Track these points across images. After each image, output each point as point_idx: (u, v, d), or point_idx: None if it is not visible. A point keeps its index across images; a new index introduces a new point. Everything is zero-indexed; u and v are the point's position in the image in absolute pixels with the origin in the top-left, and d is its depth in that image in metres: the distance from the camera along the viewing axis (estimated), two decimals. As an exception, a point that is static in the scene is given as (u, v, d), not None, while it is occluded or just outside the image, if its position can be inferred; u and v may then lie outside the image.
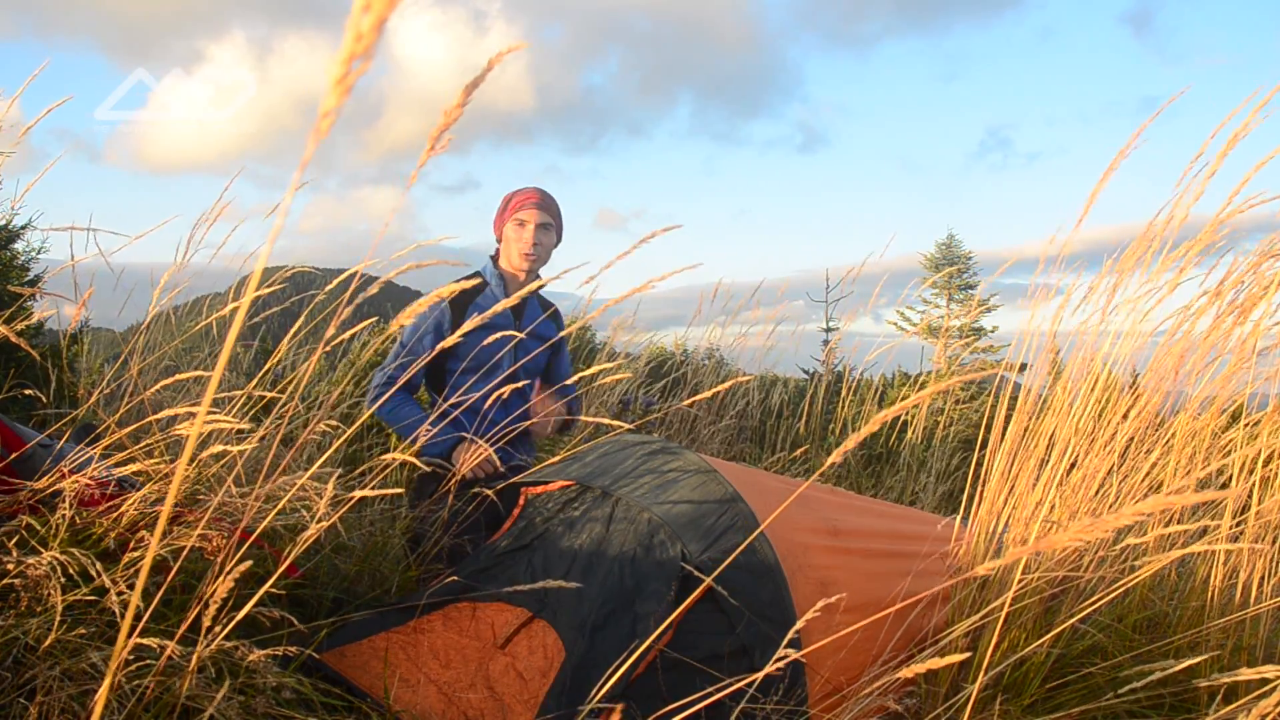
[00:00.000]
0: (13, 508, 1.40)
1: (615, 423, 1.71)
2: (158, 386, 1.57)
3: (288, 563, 1.39)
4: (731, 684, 1.10)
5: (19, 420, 2.01)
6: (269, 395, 1.70)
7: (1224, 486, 1.95)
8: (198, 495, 1.57)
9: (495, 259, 2.55)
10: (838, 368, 5.73)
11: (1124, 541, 1.59)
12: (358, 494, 1.31)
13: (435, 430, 2.27)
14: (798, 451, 4.43)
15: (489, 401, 2.11)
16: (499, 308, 1.34)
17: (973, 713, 1.22)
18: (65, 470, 1.41)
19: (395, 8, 0.46)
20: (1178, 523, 1.63)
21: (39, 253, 2.46)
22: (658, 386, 4.98)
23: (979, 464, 1.82)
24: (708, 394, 1.65)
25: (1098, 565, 1.67)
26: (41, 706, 1.13)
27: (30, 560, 1.25)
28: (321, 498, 1.44)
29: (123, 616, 1.24)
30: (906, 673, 0.82)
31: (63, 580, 1.24)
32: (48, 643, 1.18)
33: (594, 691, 1.34)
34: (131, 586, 1.27)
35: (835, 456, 0.77)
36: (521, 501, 1.93)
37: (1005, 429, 1.77)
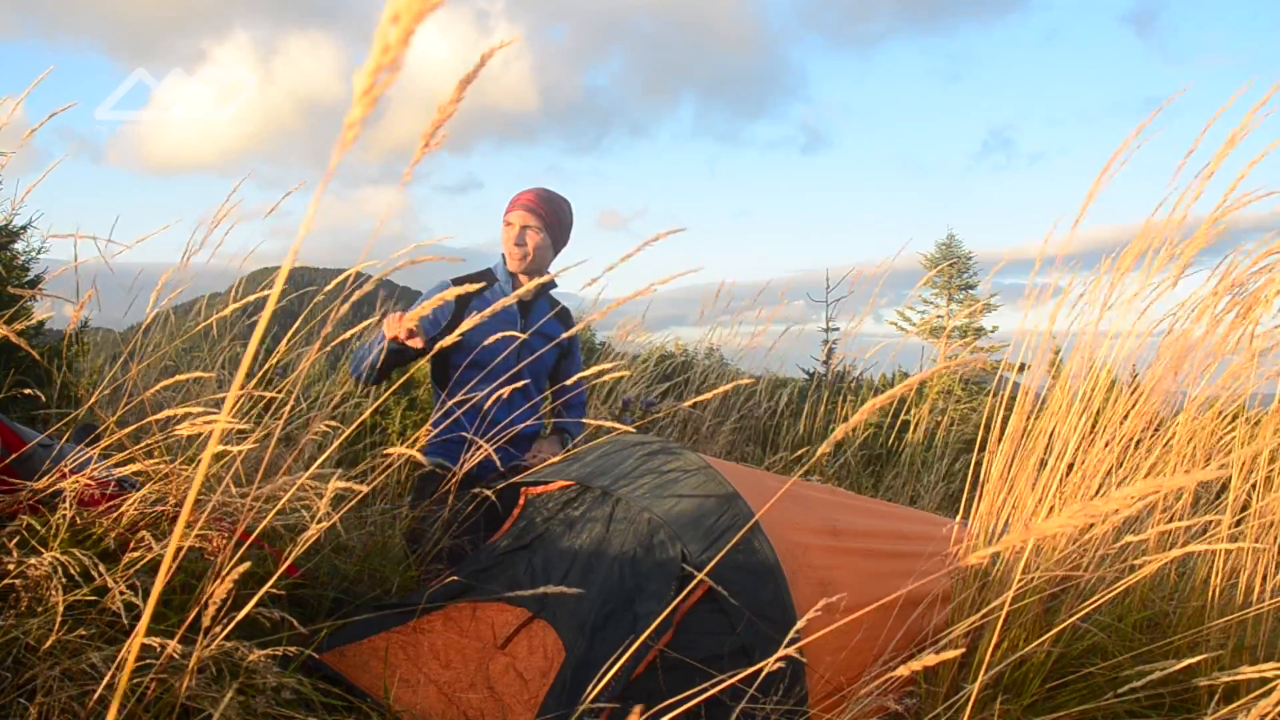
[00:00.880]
0: (13, 508, 1.40)
1: (616, 424, 1.71)
2: (158, 387, 1.57)
3: (287, 564, 1.39)
4: (729, 678, 1.10)
5: (19, 420, 2.01)
6: (268, 395, 1.70)
7: (1224, 485, 1.95)
8: (197, 495, 1.57)
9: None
10: (838, 368, 5.73)
11: (1123, 539, 1.59)
12: (359, 488, 1.31)
13: (437, 430, 2.27)
14: (799, 451, 4.43)
15: (490, 400, 2.12)
16: (499, 305, 1.34)
17: (973, 713, 1.22)
18: (65, 470, 1.41)
19: (423, 20, 0.45)
20: (1178, 521, 1.62)
21: (39, 253, 2.46)
22: (660, 389, 4.98)
23: (979, 464, 1.82)
24: (708, 395, 1.65)
25: (1098, 565, 1.67)
26: (41, 707, 1.13)
27: (31, 560, 1.25)
28: (321, 497, 1.44)
29: (124, 617, 1.24)
30: (904, 670, 0.82)
31: (64, 580, 1.24)
32: (48, 643, 1.18)
33: (589, 690, 1.34)
34: (132, 587, 1.27)
35: (824, 448, 0.77)
36: (521, 501, 1.93)
37: (1004, 429, 1.77)
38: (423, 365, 2.49)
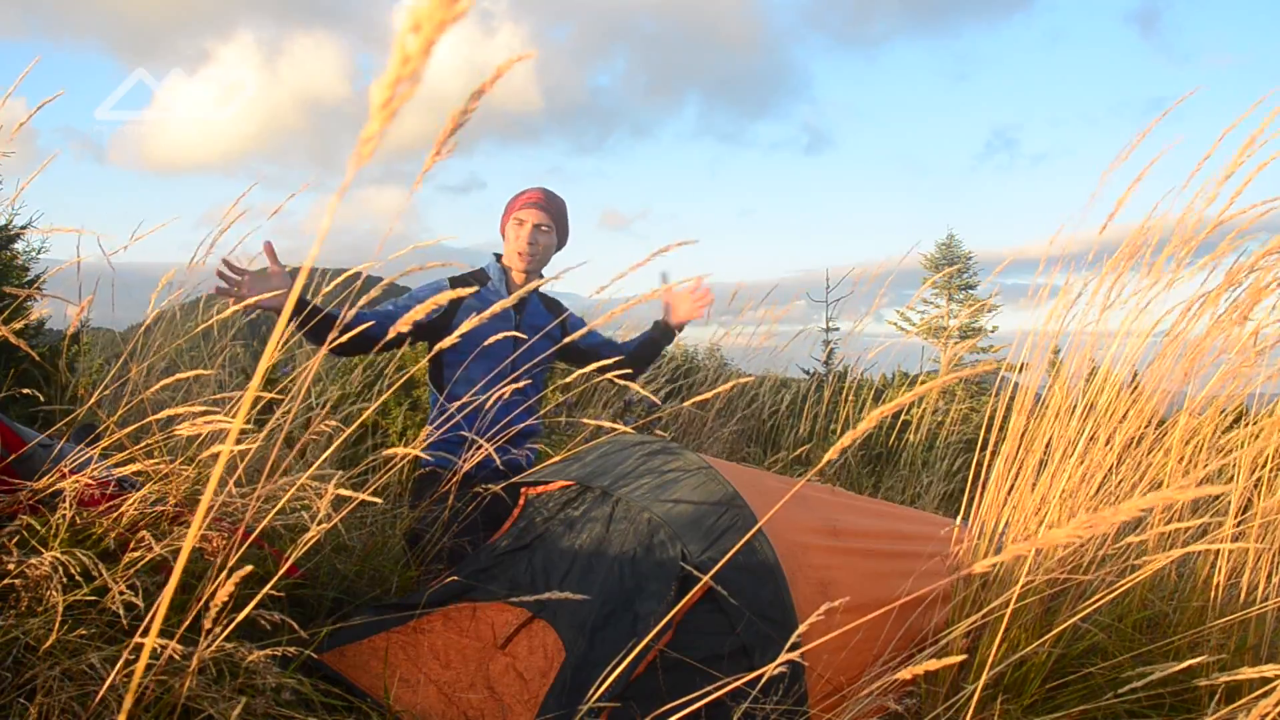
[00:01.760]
0: (13, 508, 1.40)
1: (616, 425, 1.71)
2: (157, 386, 1.57)
3: (287, 566, 1.39)
4: (731, 683, 1.10)
5: (19, 420, 2.01)
6: (268, 395, 1.70)
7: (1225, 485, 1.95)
8: (198, 496, 1.57)
9: (499, 257, 2.56)
10: (838, 368, 5.73)
11: (1124, 539, 1.59)
12: (370, 499, 1.31)
13: (440, 431, 2.26)
14: (799, 450, 4.43)
15: (490, 402, 2.11)
16: (497, 307, 1.34)
17: (973, 713, 1.22)
18: (65, 470, 1.41)
19: (446, 30, 0.43)
20: (1178, 521, 1.62)
21: (39, 253, 2.46)
22: (662, 390, 4.98)
23: (979, 464, 1.82)
24: (709, 395, 1.65)
25: (1098, 565, 1.67)
26: (41, 707, 1.13)
27: (31, 560, 1.25)
28: (321, 498, 1.44)
29: (124, 617, 1.24)
30: (907, 674, 0.82)
31: (64, 580, 1.24)
32: (48, 643, 1.18)
33: (592, 692, 1.34)
34: (132, 587, 1.27)
35: (832, 453, 0.77)
36: (521, 501, 1.93)
37: (1005, 429, 1.77)
38: (422, 365, 2.49)
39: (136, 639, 1.10)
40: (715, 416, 4.54)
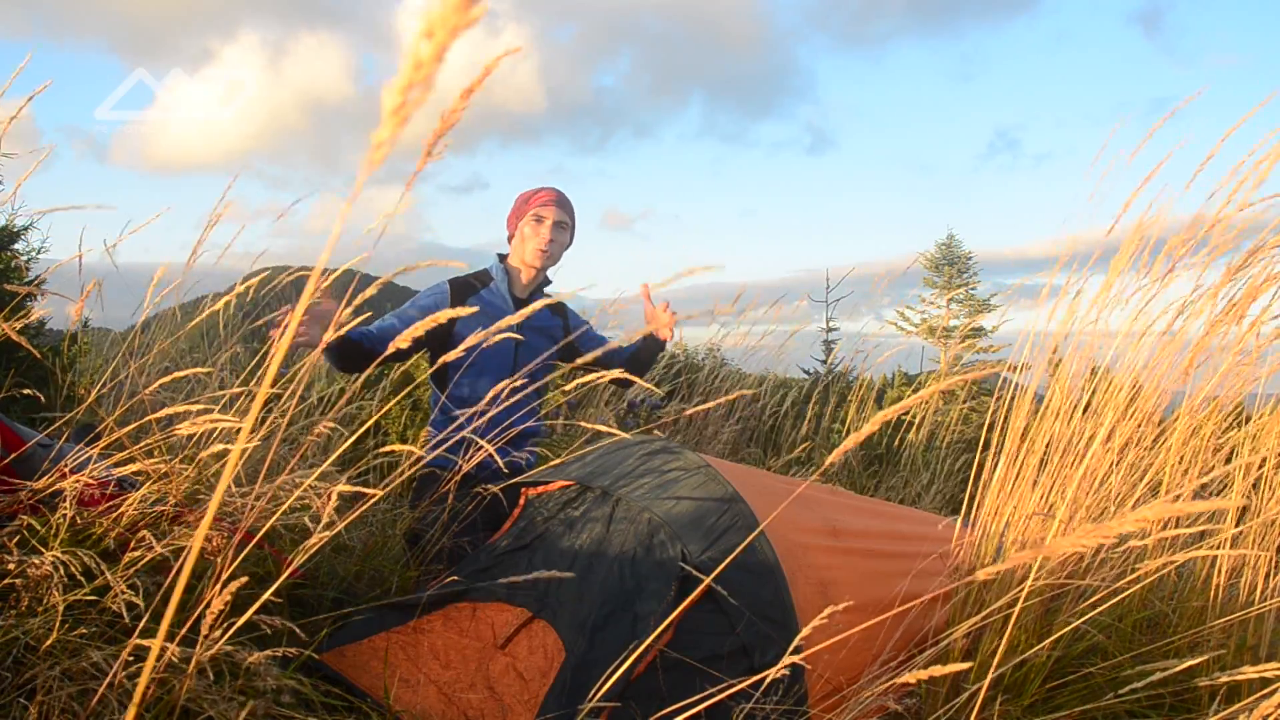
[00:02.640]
0: (13, 507, 1.40)
1: (615, 431, 1.71)
2: (156, 385, 1.57)
3: (290, 569, 1.38)
4: (732, 685, 1.09)
5: (19, 420, 2.01)
6: (276, 390, 1.70)
7: (1224, 487, 1.95)
8: (198, 495, 1.57)
9: (503, 257, 2.55)
10: (838, 368, 5.73)
11: (1126, 545, 1.58)
12: (370, 491, 1.31)
13: (450, 440, 2.26)
14: (799, 450, 4.43)
15: (489, 399, 2.11)
16: (504, 324, 1.34)
17: (973, 714, 1.22)
18: (65, 470, 1.41)
19: (459, 35, 0.42)
20: (1178, 523, 1.62)
21: (39, 253, 2.46)
22: (663, 390, 4.98)
23: (979, 465, 1.82)
24: (711, 405, 1.65)
25: (1099, 567, 1.67)
26: (41, 706, 1.13)
27: (31, 560, 1.25)
28: (321, 498, 1.43)
29: (125, 616, 1.24)
30: (910, 679, 0.82)
31: (64, 580, 1.24)
32: (48, 643, 1.18)
33: (593, 692, 1.34)
34: (133, 587, 1.27)
35: (835, 456, 0.77)
36: (522, 502, 1.93)
37: (1005, 429, 1.77)
38: (421, 364, 2.49)
39: (136, 640, 1.10)
40: (719, 419, 4.54)
